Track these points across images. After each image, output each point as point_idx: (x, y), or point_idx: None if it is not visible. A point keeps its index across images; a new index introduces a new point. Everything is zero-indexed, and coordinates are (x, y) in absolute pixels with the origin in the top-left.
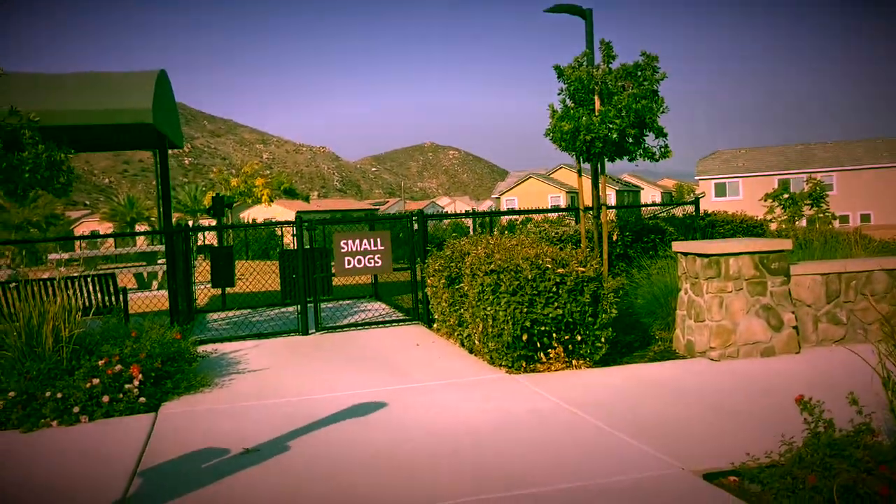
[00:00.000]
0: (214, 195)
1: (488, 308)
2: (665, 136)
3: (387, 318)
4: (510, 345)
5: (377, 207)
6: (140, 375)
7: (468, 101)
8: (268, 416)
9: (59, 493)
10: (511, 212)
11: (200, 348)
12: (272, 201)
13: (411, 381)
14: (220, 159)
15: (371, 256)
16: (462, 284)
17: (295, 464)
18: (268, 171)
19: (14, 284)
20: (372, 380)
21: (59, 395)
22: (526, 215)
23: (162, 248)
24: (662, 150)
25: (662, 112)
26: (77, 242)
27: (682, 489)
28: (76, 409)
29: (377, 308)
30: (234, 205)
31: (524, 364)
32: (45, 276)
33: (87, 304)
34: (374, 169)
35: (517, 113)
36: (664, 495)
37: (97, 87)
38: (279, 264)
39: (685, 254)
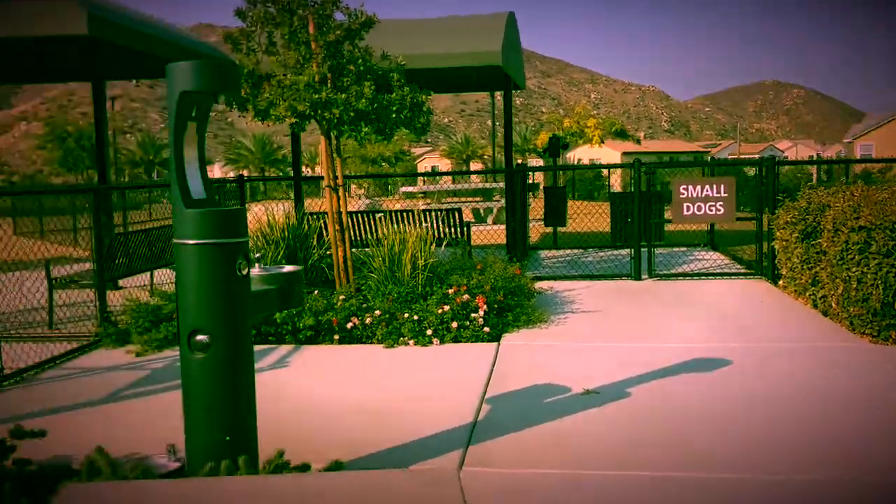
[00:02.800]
0: (551, 136)
1: (853, 268)
2: None
3: (724, 270)
4: (877, 312)
5: (708, 150)
6: (485, 306)
7: (820, 32)
8: (603, 359)
9: (417, 406)
10: (873, 160)
11: (536, 285)
12: (602, 142)
13: (753, 340)
14: (549, 99)
15: (712, 203)
16: (820, 240)
17: (632, 410)
18: (594, 112)
19: (380, 215)
20: (709, 334)
21: (415, 318)
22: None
23: (496, 185)
24: None
25: None
26: (420, 178)
27: None
28: (429, 332)
29: (713, 258)
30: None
31: (893, 335)
32: (397, 206)
33: (437, 235)
34: (706, 109)
35: (886, 43)
36: None
37: (451, 31)
38: (610, 206)
39: None
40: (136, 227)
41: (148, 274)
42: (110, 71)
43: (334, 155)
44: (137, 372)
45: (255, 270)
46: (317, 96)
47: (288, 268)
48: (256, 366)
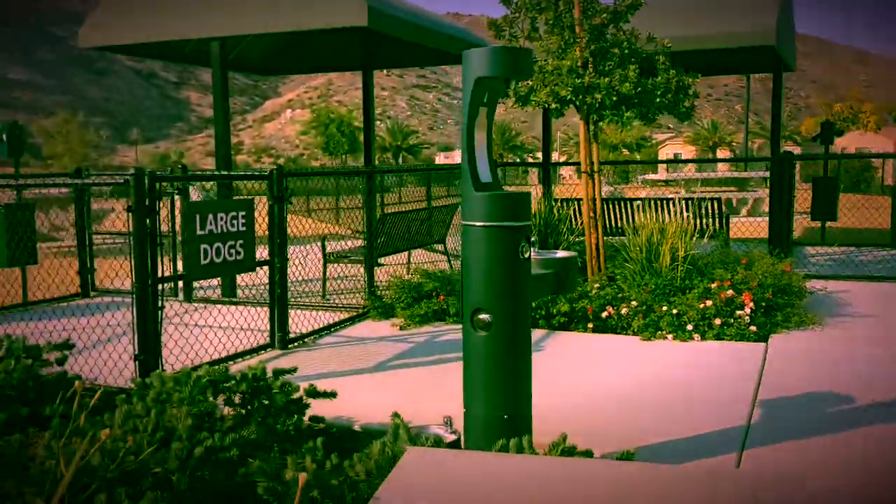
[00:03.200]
0: (823, 121)
1: None
2: None
3: None
4: None
5: None
6: (751, 304)
7: None
8: (890, 370)
9: (682, 401)
10: None
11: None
12: (879, 129)
13: None
14: (808, 83)
15: None
16: None
17: None
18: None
19: (639, 203)
20: None
21: (674, 311)
22: None
23: (753, 174)
24: None
25: None
26: (661, 164)
27: None
28: (689, 327)
29: None
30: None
31: None
32: (643, 194)
33: (697, 226)
34: None
35: None
36: None
37: (717, 9)
38: (892, 200)
39: None
40: (389, 209)
41: (398, 253)
42: (378, 60)
43: (592, 140)
44: (401, 344)
45: (533, 254)
46: (579, 81)
47: (561, 253)
48: None
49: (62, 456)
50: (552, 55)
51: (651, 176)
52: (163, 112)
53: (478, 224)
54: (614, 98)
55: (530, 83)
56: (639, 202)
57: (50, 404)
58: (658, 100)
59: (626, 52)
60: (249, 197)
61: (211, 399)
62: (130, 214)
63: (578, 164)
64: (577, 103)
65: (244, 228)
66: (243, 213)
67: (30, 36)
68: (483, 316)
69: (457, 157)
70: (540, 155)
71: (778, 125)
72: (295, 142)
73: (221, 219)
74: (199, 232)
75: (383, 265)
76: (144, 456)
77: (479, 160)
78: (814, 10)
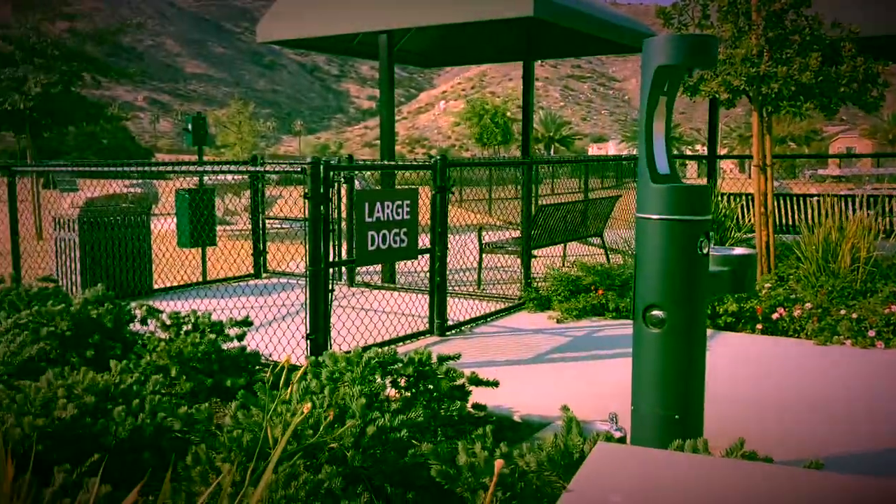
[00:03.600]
0: None
1: None
2: None
3: None
4: None
5: None
6: None
7: None
8: None
9: (860, 411)
10: None
11: None
12: None
13: None
14: None
15: None
16: None
17: None
18: None
19: (817, 198)
20: None
21: (853, 316)
22: None
23: None
24: None
25: None
26: (833, 160)
27: None
28: (871, 333)
29: None
30: None
31: None
32: (813, 190)
33: (881, 225)
34: None
35: None
36: None
37: None
38: None
39: None
40: (542, 200)
41: (554, 245)
42: (539, 50)
43: (765, 133)
44: (559, 337)
45: (710, 251)
46: (754, 70)
47: (739, 250)
48: None
49: (268, 427)
50: (724, 43)
51: (822, 171)
52: (324, 104)
53: (654, 217)
54: (792, 88)
55: (700, 72)
56: (815, 198)
57: (231, 377)
58: (842, 89)
59: (808, 38)
60: (413, 187)
61: (379, 380)
62: (306, 201)
63: (745, 157)
64: (752, 94)
65: (408, 217)
66: (408, 202)
67: (204, 32)
68: (656, 312)
69: (610, 148)
70: (699, 147)
71: None
72: (447, 133)
73: (388, 207)
74: (367, 219)
75: (537, 257)
76: (321, 431)
77: (658, 151)
78: None
